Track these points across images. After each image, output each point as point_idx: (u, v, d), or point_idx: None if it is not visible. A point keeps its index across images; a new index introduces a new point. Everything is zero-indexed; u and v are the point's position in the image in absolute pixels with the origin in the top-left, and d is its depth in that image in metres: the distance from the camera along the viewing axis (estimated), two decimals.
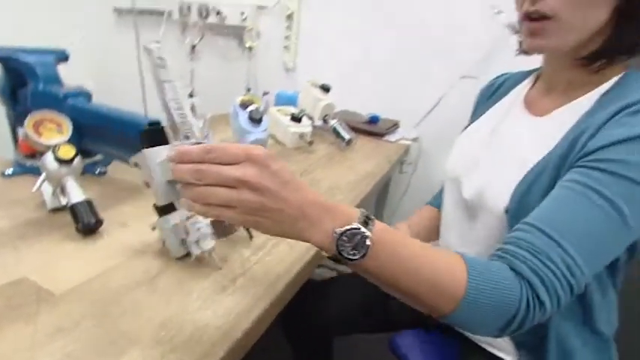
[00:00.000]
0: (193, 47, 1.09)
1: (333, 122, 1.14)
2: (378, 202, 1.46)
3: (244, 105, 0.93)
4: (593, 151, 0.48)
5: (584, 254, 0.43)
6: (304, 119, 1.08)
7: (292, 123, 1.07)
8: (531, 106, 0.64)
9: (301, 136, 1.06)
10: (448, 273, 0.41)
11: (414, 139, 1.28)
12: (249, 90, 1.30)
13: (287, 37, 1.60)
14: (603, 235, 0.45)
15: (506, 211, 0.56)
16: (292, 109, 1.13)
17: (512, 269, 0.43)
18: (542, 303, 0.42)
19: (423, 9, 1.33)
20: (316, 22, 1.55)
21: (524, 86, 0.69)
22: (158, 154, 0.45)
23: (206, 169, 0.36)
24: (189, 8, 1.69)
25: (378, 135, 1.28)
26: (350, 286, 0.85)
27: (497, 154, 0.63)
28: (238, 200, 0.36)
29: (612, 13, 0.50)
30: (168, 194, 0.49)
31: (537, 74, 0.69)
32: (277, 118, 1.10)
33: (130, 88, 1.86)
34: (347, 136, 1.11)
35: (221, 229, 0.47)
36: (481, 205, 0.61)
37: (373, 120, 1.33)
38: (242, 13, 1.61)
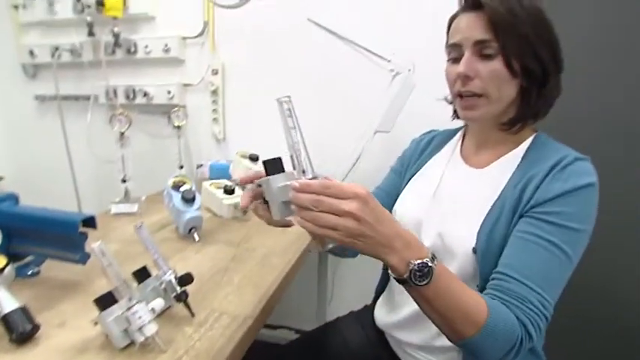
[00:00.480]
0: (122, 134, 1.14)
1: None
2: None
3: (176, 186, 0.99)
4: (539, 204, 0.64)
5: (550, 292, 0.61)
6: (237, 190, 1.16)
7: (225, 195, 1.13)
8: (468, 159, 0.80)
9: (235, 206, 1.13)
10: (476, 305, 0.57)
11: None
12: (181, 167, 1.36)
13: (214, 110, 1.71)
14: (558, 273, 0.63)
15: (474, 250, 0.67)
16: (225, 182, 1.20)
17: (511, 312, 0.59)
18: (530, 335, 0.59)
19: (334, 70, 1.51)
20: (239, 93, 1.68)
21: (456, 142, 0.84)
22: (278, 180, 0.56)
23: (324, 200, 0.48)
24: (115, 92, 1.76)
25: None
26: (311, 351, 0.91)
27: (451, 202, 0.75)
28: (344, 226, 0.48)
29: (519, 90, 0.69)
30: (283, 211, 0.57)
31: (463, 132, 0.86)
32: (211, 192, 1.16)
33: (58, 171, 1.83)
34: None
35: (321, 243, 0.58)
36: (445, 249, 0.71)
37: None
38: (169, 92, 1.71)
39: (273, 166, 0.57)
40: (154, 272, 0.67)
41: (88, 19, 1.63)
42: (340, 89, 1.52)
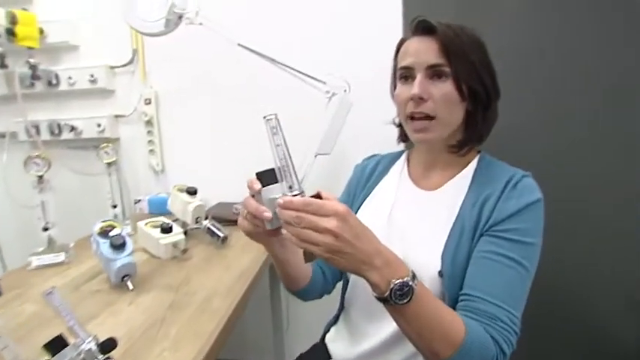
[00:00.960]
0: (40, 177, 1.04)
1: (205, 223, 1.17)
2: (272, 279, 1.49)
3: (104, 232, 0.91)
4: (498, 222, 0.67)
5: (516, 307, 0.63)
6: (175, 227, 1.09)
7: (163, 235, 1.06)
8: (418, 182, 0.81)
9: (174, 245, 1.06)
10: (454, 324, 0.58)
11: None
12: (114, 206, 1.27)
13: (150, 142, 1.62)
14: (521, 288, 0.66)
15: (440, 274, 0.67)
16: (162, 219, 1.13)
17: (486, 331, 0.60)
18: (504, 353, 0.61)
19: (271, 94, 1.49)
20: (175, 122, 1.61)
21: (402, 165, 0.85)
22: (270, 191, 0.58)
23: (304, 217, 0.51)
24: (37, 128, 1.62)
25: None
26: None
27: (408, 226, 0.75)
28: (323, 242, 0.50)
29: (465, 114, 0.73)
30: (274, 222, 0.59)
31: (407, 154, 0.87)
32: (147, 233, 1.09)
33: None
34: (221, 234, 1.14)
35: (308, 256, 0.57)
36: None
37: None
38: (99, 125, 1.60)
39: (267, 177, 0.59)
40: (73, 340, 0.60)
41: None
42: (278, 113, 1.50)
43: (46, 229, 1.05)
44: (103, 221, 0.97)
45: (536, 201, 0.68)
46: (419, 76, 0.70)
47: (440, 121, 0.71)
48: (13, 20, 1.43)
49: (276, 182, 0.58)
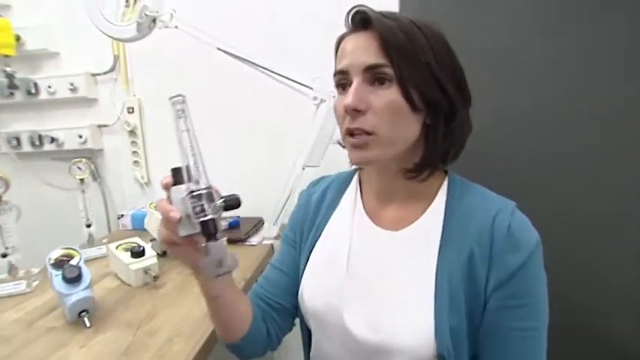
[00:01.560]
0: None
1: None
2: None
3: (59, 263, 0.82)
4: (500, 285, 0.54)
5: None
6: (147, 251, 0.99)
7: (133, 259, 0.97)
8: (375, 217, 0.65)
9: (146, 271, 0.96)
10: None
11: (277, 237, 1.26)
12: (88, 226, 1.18)
13: (135, 153, 1.53)
14: (543, 350, 0.56)
15: (441, 357, 0.53)
16: (135, 242, 1.03)
17: None
18: None
19: (257, 102, 1.39)
20: (160, 132, 1.52)
21: (354, 193, 0.69)
22: (179, 191, 0.50)
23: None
24: (18, 139, 1.55)
25: (239, 241, 1.23)
26: None
27: (375, 281, 0.60)
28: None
29: (422, 129, 0.58)
30: (185, 226, 0.51)
31: (358, 177, 0.71)
32: (117, 257, 0.99)
33: None
34: None
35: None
36: (389, 349, 0.55)
37: (233, 225, 1.29)
38: (80, 136, 1.52)
39: (178, 175, 0.51)
40: None
41: None
42: (265, 122, 1.40)
43: (4, 256, 0.97)
44: (64, 248, 0.88)
45: (537, 244, 0.55)
46: (355, 82, 0.55)
47: (380, 137, 0.55)
48: None
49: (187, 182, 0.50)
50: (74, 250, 0.86)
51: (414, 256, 0.59)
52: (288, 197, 1.18)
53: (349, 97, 0.55)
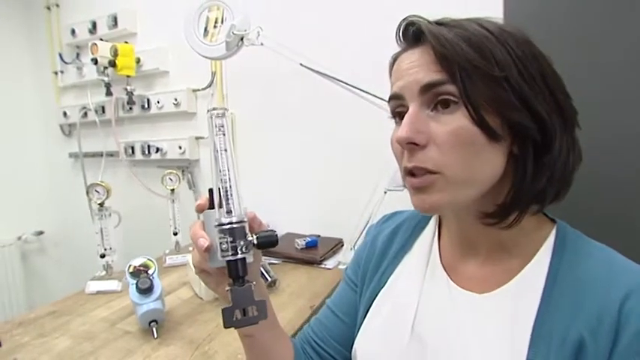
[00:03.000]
0: (101, 205, 1.05)
1: None
2: None
3: (136, 273, 0.85)
4: None
5: None
6: None
7: None
8: (455, 273, 0.52)
9: None
10: None
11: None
12: (175, 234, 1.24)
13: None
14: None
15: None
16: None
17: None
18: None
19: (345, 123, 1.34)
20: (251, 145, 1.55)
21: (431, 239, 0.56)
22: (213, 217, 0.43)
23: None
24: (132, 148, 1.73)
25: (314, 263, 1.18)
26: None
27: (442, 352, 0.47)
28: None
29: (508, 160, 0.44)
30: (216, 257, 0.43)
31: (438, 220, 0.58)
32: (191, 268, 1.01)
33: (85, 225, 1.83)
34: (269, 278, 1.02)
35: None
36: None
37: (310, 244, 1.25)
38: (180, 147, 1.64)
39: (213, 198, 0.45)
40: None
41: (106, 79, 1.63)
42: (352, 140, 1.33)
43: (102, 256, 1.06)
44: (144, 257, 0.92)
45: None
46: (411, 108, 0.44)
47: (448, 177, 0.43)
48: (114, 53, 1.55)
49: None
50: (151, 260, 0.90)
51: (499, 332, 0.45)
52: (367, 222, 1.10)
53: (403, 129, 0.43)
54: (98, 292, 1.05)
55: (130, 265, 0.88)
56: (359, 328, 0.57)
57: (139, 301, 0.81)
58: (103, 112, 1.77)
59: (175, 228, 1.24)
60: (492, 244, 0.49)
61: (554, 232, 0.48)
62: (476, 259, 0.51)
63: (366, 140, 1.28)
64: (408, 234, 0.59)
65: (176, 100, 1.60)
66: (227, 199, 0.42)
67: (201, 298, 0.99)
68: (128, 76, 1.62)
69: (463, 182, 0.43)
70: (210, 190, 0.45)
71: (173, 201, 1.23)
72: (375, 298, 0.57)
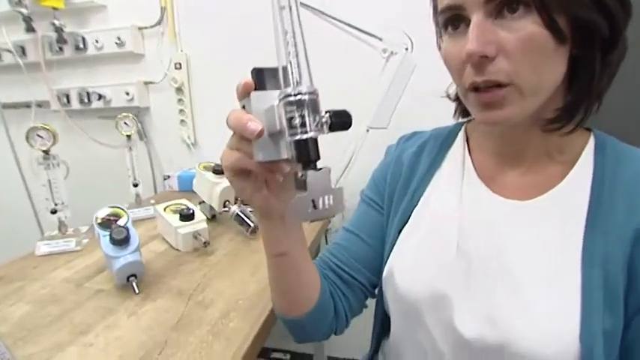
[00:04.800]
0: (46, 152, 0.88)
1: (234, 208, 0.97)
2: None
3: (106, 223, 0.73)
4: None
5: None
6: (197, 214, 0.89)
7: (182, 223, 0.87)
8: (494, 184, 0.49)
9: (196, 236, 0.87)
10: None
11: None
12: (135, 185, 1.10)
13: (181, 111, 1.43)
14: None
15: None
16: (184, 204, 0.94)
17: None
18: None
19: (316, 54, 1.24)
20: (209, 89, 1.40)
21: (462, 153, 0.53)
22: (265, 98, 0.37)
23: None
24: (67, 96, 1.49)
25: None
26: None
27: (493, 263, 0.45)
28: None
29: (570, 62, 0.42)
30: (268, 149, 0.37)
31: (465, 133, 0.56)
32: (164, 219, 0.90)
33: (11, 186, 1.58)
34: (251, 223, 0.94)
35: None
36: (516, 353, 0.41)
37: None
38: (127, 93, 1.43)
39: (263, 77, 0.38)
40: None
41: (24, 11, 1.34)
42: (325, 76, 1.24)
43: (54, 212, 0.90)
44: (111, 206, 0.79)
45: None
46: (474, 18, 0.39)
47: (520, 88, 0.40)
48: None
49: (276, 82, 0.35)
50: (121, 209, 0.77)
51: (550, 235, 0.44)
52: (349, 162, 1.05)
53: (472, 42, 0.39)
54: (51, 254, 0.90)
55: (96, 217, 0.75)
56: (391, 248, 0.54)
57: (114, 254, 0.69)
58: (24, 53, 1.48)
59: (135, 179, 1.09)
60: (538, 152, 0.48)
61: (592, 137, 0.48)
62: (517, 169, 0.49)
63: (346, 77, 1.21)
64: (435, 152, 0.56)
65: (119, 39, 1.38)
66: (296, 66, 0.33)
67: (177, 250, 0.89)
68: (55, 9, 1.35)
69: (534, 91, 0.41)
70: (256, 71, 0.37)
71: (130, 148, 1.07)
72: (409, 217, 0.54)
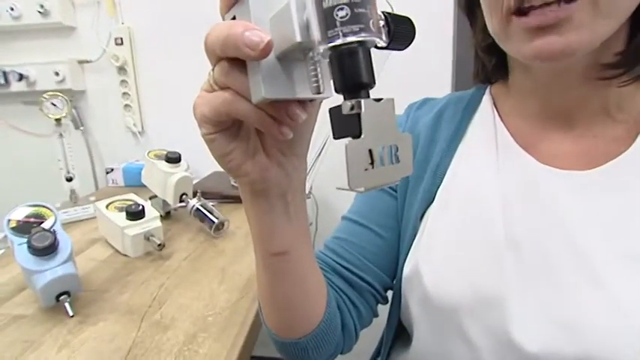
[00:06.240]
0: None
1: (193, 203, 0.81)
2: None
3: (23, 227, 0.55)
4: None
5: None
6: (148, 210, 0.73)
7: (130, 222, 0.70)
8: (538, 153, 0.39)
9: (148, 237, 0.70)
10: None
11: (307, 196, 1.00)
12: (69, 179, 0.90)
13: (125, 94, 1.23)
14: None
15: None
16: (132, 199, 0.76)
17: None
18: None
19: None
20: (156, 69, 1.20)
21: (491, 118, 0.43)
22: (270, 1, 0.22)
23: None
24: None
25: None
26: None
27: (553, 252, 0.34)
28: None
29: None
30: (276, 81, 0.23)
31: (492, 96, 0.45)
32: (107, 218, 0.72)
33: None
34: (215, 219, 0.78)
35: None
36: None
37: None
38: (57, 74, 1.20)
39: None
40: None
41: None
42: None
43: None
44: (31, 205, 0.61)
45: None
46: None
47: (594, 8, 0.30)
48: None
49: None
50: (46, 207, 0.59)
51: (621, 212, 0.34)
52: (321, 147, 0.92)
53: None
54: None
55: (8, 220, 0.56)
56: (412, 240, 0.42)
57: (36, 268, 0.51)
58: None
59: (68, 172, 0.89)
60: (595, 110, 0.38)
61: None
62: (569, 132, 0.39)
63: None
64: (458, 118, 0.45)
65: (43, 7, 1.13)
66: None
67: (125, 255, 0.72)
68: None
69: (609, 9, 0.30)
70: None
71: (61, 135, 0.87)
72: (433, 199, 0.42)
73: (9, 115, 1.20)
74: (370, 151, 0.20)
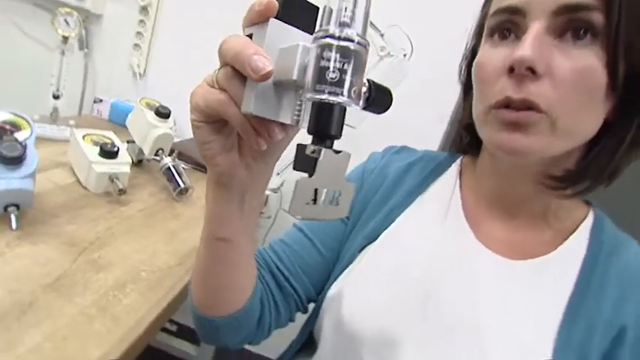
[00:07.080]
0: None
1: (166, 161, 0.82)
2: None
3: None
4: None
5: None
6: (122, 154, 0.74)
7: (100, 158, 0.71)
8: (480, 231, 0.43)
9: (112, 178, 0.71)
10: None
11: (275, 190, 1.03)
12: (56, 97, 0.89)
13: (139, 34, 1.22)
14: None
15: None
16: (110, 137, 0.77)
17: None
18: None
19: None
20: (179, 15, 1.20)
21: (452, 187, 0.47)
22: (286, 34, 0.26)
23: None
24: None
25: None
26: None
27: (457, 319, 0.39)
28: None
29: (602, 124, 0.37)
30: (266, 102, 0.26)
31: (460, 166, 0.49)
32: (80, 147, 0.73)
33: None
34: (181, 183, 0.80)
35: None
36: None
37: None
38: None
39: (295, 6, 0.26)
40: None
41: None
42: None
43: None
44: (11, 112, 0.61)
45: None
46: (534, 28, 0.33)
47: (554, 120, 0.34)
48: None
49: (311, 26, 0.26)
50: (24, 119, 0.59)
51: (526, 304, 0.38)
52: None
53: (527, 48, 0.33)
54: None
55: None
56: (345, 266, 0.45)
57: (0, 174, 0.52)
58: None
59: (57, 90, 0.89)
60: (535, 211, 0.42)
61: (591, 213, 0.44)
62: (509, 222, 0.43)
63: None
64: (424, 174, 0.49)
65: None
66: (352, 3, 0.22)
67: (85, 188, 0.73)
68: None
69: (566, 131, 0.35)
70: None
71: (64, 52, 0.86)
72: (376, 238, 0.46)
73: (15, 13, 1.17)
74: (316, 190, 0.23)
